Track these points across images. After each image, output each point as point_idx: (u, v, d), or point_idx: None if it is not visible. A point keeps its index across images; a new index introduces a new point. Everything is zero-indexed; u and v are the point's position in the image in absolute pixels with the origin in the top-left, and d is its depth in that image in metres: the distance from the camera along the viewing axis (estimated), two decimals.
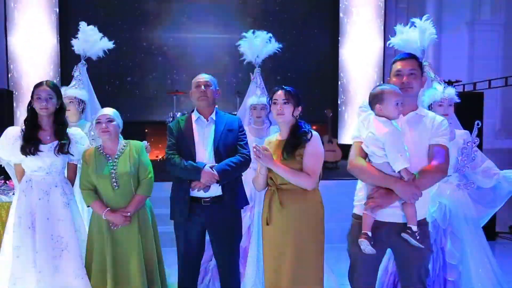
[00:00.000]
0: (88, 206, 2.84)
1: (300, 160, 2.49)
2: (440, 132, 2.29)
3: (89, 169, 2.79)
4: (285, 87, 2.59)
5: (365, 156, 2.34)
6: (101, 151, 2.84)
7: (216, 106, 2.99)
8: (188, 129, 2.86)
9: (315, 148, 2.52)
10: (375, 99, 2.31)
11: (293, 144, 2.51)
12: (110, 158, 2.81)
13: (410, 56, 2.41)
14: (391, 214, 2.27)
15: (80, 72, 3.68)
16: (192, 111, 2.95)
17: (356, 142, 2.40)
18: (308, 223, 2.50)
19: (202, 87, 2.84)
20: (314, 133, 2.55)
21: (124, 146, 2.86)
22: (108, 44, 3.84)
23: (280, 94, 2.57)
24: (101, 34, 3.82)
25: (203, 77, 2.89)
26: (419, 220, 2.26)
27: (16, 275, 2.66)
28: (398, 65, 2.39)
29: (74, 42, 3.81)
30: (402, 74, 2.35)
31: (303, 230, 2.49)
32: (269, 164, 2.48)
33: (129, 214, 2.75)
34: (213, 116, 2.89)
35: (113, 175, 2.76)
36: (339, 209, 2.96)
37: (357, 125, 2.44)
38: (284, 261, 2.48)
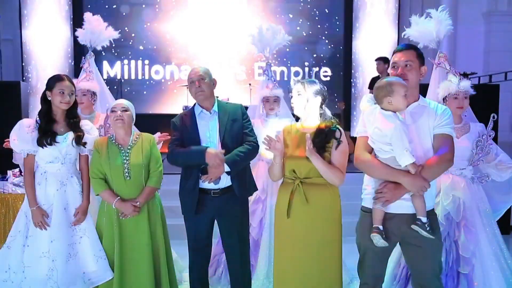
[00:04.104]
0: (97, 195, 2.86)
1: (328, 155, 2.47)
2: (444, 122, 2.28)
3: (101, 158, 2.81)
4: (310, 79, 2.59)
5: (371, 150, 2.33)
6: (113, 141, 2.86)
7: (217, 96, 2.96)
8: (192, 124, 2.83)
9: (344, 145, 2.50)
10: (383, 92, 2.25)
11: (325, 137, 2.48)
12: (122, 149, 2.82)
13: (407, 47, 2.37)
14: (399, 205, 2.27)
15: (89, 63, 3.64)
16: (194, 105, 2.92)
17: (362, 137, 2.37)
18: (331, 218, 2.50)
19: (196, 82, 2.81)
20: (340, 128, 2.54)
21: (137, 137, 2.89)
22: (113, 34, 3.78)
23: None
24: (106, 24, 3.74)
25: (196, 71, 2.85)
26: (427, 211, 2.26)
27: (26, 263, 2.71)
28: (395, 57, 2.37)
29: (78, 32, 3.73)
30: (397, 66, 2.34)
31: (327, 225, 2.49)
32: (311, 155, 2.41)
33: (138, 204, 2.77)
34: (215, 107, 2.87)
35: (125, 165, 2.78)
36: (351, 202, 2.94)
37: (361, 120, 2.41)
38: (304, 255, 2.47)
